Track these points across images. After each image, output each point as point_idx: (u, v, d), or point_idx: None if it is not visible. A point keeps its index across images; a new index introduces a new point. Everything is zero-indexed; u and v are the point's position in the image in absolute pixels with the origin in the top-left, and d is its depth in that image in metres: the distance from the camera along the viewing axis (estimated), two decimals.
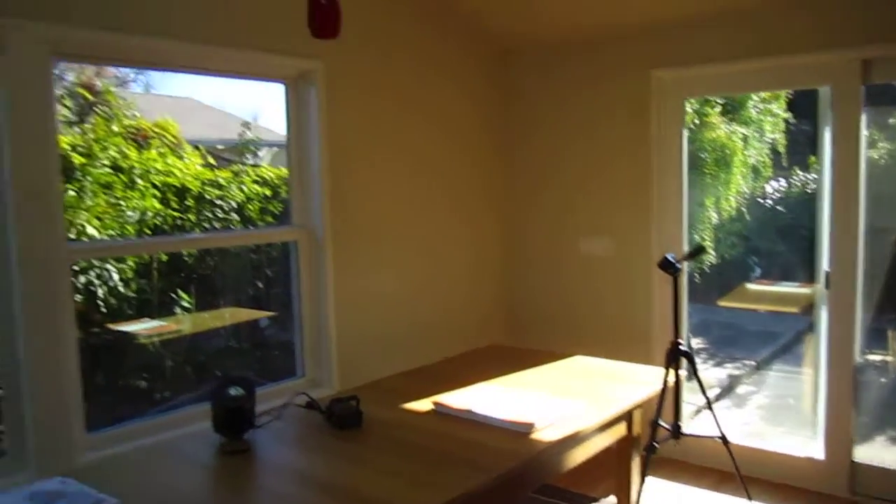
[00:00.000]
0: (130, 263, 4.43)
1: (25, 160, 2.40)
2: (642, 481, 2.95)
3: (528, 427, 2.20)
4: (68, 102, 4.58)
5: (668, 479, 3.80)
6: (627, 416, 2.70)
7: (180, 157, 5.23)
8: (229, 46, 2.93)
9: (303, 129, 3.33)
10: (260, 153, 6.11)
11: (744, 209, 6.32)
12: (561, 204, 4.30)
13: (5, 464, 2.49)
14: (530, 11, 3.89)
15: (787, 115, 6.26)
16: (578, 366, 3.03)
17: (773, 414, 4.88)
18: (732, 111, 6.35)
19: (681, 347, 3.09)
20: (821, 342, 3.66)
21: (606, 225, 4.14)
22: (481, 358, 3.19)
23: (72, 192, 4.07)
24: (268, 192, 5.25)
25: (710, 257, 5.39)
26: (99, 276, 4.19)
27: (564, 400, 2.47)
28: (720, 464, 3.68)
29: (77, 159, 4.34)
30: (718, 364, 5.60)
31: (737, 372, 5.51)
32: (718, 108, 6.21)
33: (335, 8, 2.28)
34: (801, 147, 6.24)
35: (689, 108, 4.08)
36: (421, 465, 2.00)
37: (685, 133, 3.94)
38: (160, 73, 4.30)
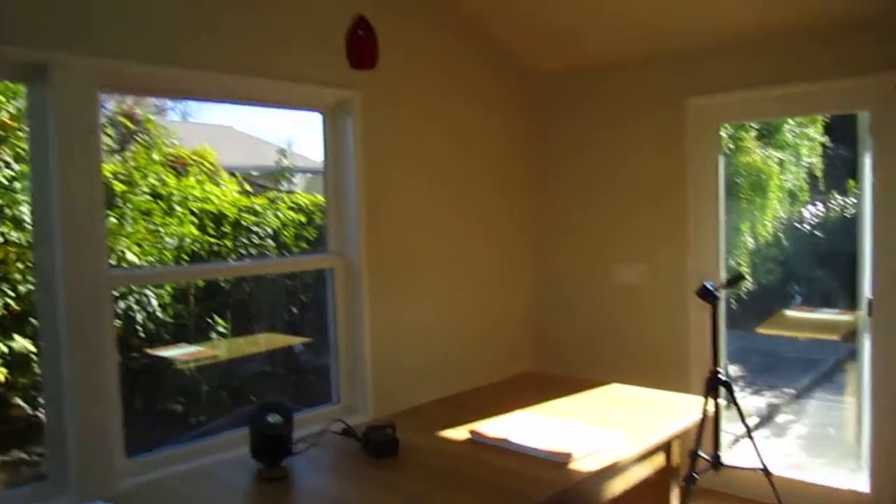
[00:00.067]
0: (168, 289, 4.50)
1: (72, 189, 2.46)
2: None
3: (566, 457, 2.18)
4: (110, 131, 4.70)
5: None
6: (666, 447, 2.65)
7: (217, 184, 5.33)
8: (269, 77, 2.98)
9: (339, 158, 3.37)
10: (294, 179, 6.19)
11: (780, 234, 6.24)
12: (594, 231, 4.28)
13: (46, 487, 2.53)
14: (565, 42, 3.91)
15: (824, 138, 6.18)
16: (615, 394, 3.00)
17: (814, 444, 4.77)
18: (768, 135, 6.29)
19: (720, 376, 3.04)
20: (864, 370, 3.58)
21: (641, 252, 4.11)
22: (516, 385, 3.17)
23: (113, 219, 4.16)
24: (303, 219, 5.32)
25: (747, 283, 5.31)
26: (138, 302, 4.27)
27: (602, 429, 2.44)
28: (761, 496, 3.59)
29: (118, 187, 4.44)
30: (756, 392, 5.50)
31: (775, 400, 5.41)
32: (754, 133, 6.16)
33: (373, 40, 2.32)
34: (838, 171, 6.15)
35: (723, 133, 4.05)
36: (457, 494, 1.98)
37: (721, 159, 3.91)
38: (198, 101, 4.40)
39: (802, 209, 6.35)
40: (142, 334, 4.32)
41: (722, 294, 3.33)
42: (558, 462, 2.17)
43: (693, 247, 3.93)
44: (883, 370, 3.47)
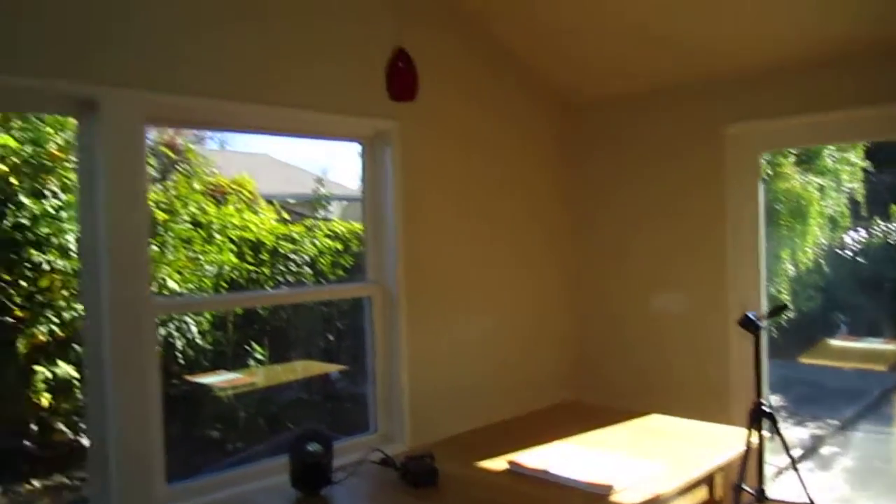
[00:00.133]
0: (207, 316, 4.58)
1: (118, 218, 2.51)
2: None
3: (607, 489, 2.15)
4: (152, 160, 4.81)
5: None
6: (709, 479, 2.61)
7: (256, 212, 5.42)
8: (311, 109, 3.03)
9: (378, 187, 3.40)
10: (330, 207, 6.27)
11: (822, 261, 6.14)
12: (632, 259, 4.25)
13: None
14: (603, 70, 3.92)
15: (866, 163, 6.09)
16: (655, 425, 2.95)
17: (860, 477, 4.64)
18: (807, 161, 6.22)
19: (764, 408, 2.98)
20: None
21: (679, 280, 4.06)
22: (555, 415, 3.15)
23: (154, 247, 4.24)
24: (339, 246, 5.38)
25: (789, 312, 5.22)
26: (178, 329, 4.33)
27: (643, 461, 2.40)
28: None
29: (160, 215, 4.54)
30: (799, 423, 5.38)
31: (819, 432, 5.27)
32: (792, 159, 6.09)
33: (413, 72, 2.35)
34: (881, 196, 6.05)
35: (762, 160, 4.01)
36: None
37: (761, 186, 3.87)
38: (240, 133, 4.49)
39: (844, 235, 6.25)
40: (181, 361, 4.38)
41: (764, 324, 3.27)
42: (599, 494, 2.14)
43: (733, 275, 3.87)
44: None
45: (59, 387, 4.10)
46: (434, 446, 2.59)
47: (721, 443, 2.70)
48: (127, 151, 2.55)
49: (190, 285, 4.48)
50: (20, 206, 3.99)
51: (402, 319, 3.36)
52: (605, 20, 3.46)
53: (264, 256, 5.07)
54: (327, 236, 5.46)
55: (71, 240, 4.06)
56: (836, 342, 5.40)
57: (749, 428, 2.85)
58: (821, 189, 6.20)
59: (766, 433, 3.02)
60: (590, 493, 2.15)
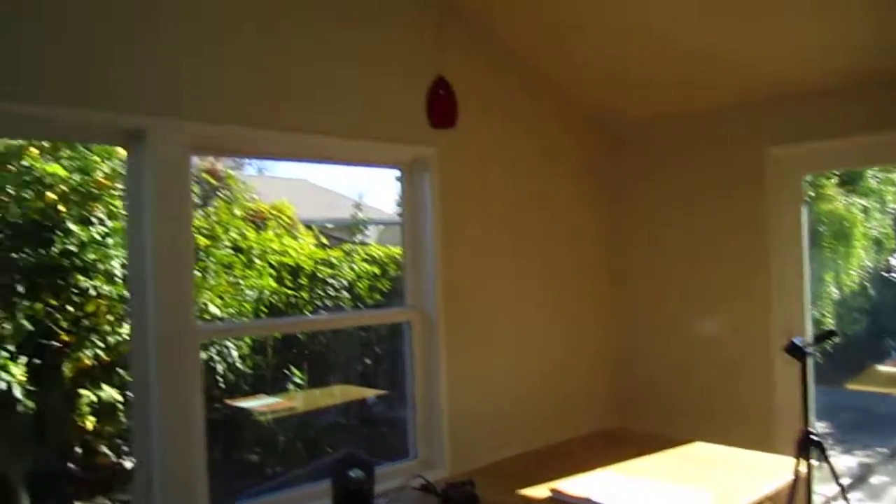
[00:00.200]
0: (247, 340, 4.63)
1: (164, 245, 2.56)
2: None
3: None
4: (194, 187, 4.91)
5: None
6: None
7: (295, 238, 5.49)
8: (351, 138, 3.07)
9: (416, 213, 3.42)
10: (367, 231, 6.33)
11: (866, 283, 6.01)
12: (672, 282, 4.20)
13: None
14: (642, 92, 3.91)
15: None
16: (700, 453, 2.90)
17: None
18: (850, 182, 6.11)
19: (812, 436, 2.91)
20: None
21: (721, 303, 4.00)
22: (597, 442, 3.11)
23: (196, 273, 4.32)
24: (377, 271, 5.41)
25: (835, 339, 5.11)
26: (219, 353, 4.39)
27: (688, 490, 2.36)
28: None
29: (202, 241, 4.62)
30: (847, 451, 5.23)
31: (868, 460, 5.12)
32: (835, 180, 6.00)
33: (452, 100, 2.38)
34: None
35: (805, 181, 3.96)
36: None
37: (804, 210, 3.81)
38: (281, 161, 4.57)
39: (889, 257, 6.11)
40: (222, 385, 4.43)
41: (811, 350, 3.21)
42: None
43: (776, 299, 3.81)
44: None
45: (103, 410, 4.16)
46: (475, 473, 2.58)
47: (768, 471, 2.64)
48: (173, 179, 2.60)
49: (230, 310, 4.54)
50: (68, 232, 4.09)
51: (442, 344, 3.36)
52: (649, 45, 3.45)
53: (303, 281, 5.12)
54: (364, 260, 5.50)
55: (116, 266, 4.15)
56: (885, 368, 5.26)
57: (797, 457, 2.79)
58: (864, 210, 6.09)
59: (814, 462, 2.95)
60: None
